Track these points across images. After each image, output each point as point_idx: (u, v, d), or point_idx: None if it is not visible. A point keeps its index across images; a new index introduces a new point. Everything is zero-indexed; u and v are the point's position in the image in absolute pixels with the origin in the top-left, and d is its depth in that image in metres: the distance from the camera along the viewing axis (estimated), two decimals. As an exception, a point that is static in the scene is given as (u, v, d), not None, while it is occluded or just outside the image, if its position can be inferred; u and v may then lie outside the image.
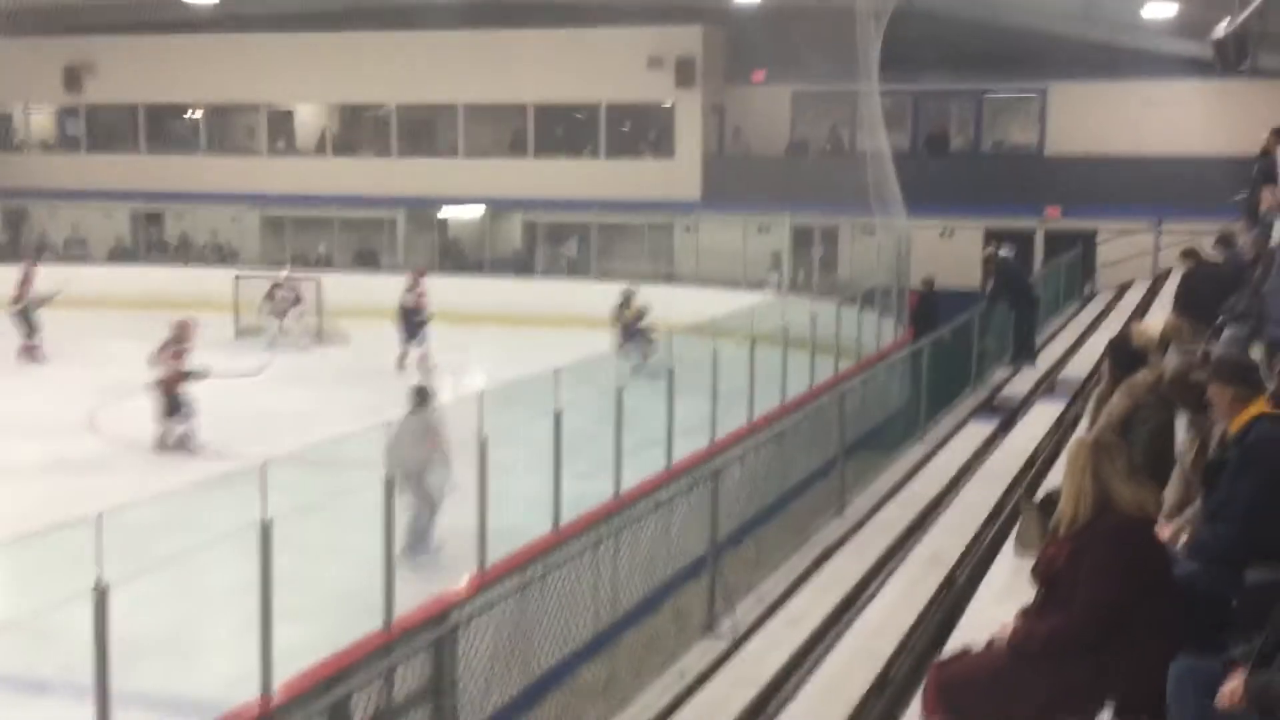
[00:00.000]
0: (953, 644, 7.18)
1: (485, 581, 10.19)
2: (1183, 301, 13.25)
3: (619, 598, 10.09)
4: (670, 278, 28.52)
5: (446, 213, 31.21)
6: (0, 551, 8.45)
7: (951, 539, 9.46)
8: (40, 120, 34.87)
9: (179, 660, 9.95)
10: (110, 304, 27.14)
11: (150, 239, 32.45)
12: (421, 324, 22.26)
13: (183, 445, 16.21)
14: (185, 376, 16.31)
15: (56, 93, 32.89)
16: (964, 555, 9.13)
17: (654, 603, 11.02)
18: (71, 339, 23.92)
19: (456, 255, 30.96)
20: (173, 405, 16.22)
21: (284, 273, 26.23)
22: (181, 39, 31.19)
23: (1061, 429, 12.73)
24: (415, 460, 11.63)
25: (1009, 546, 8.07)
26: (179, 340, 16.48)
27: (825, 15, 23.61)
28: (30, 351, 22.61)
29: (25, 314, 22.61)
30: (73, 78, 32.47)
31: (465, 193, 30.02)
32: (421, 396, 12.41)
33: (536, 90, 29.76)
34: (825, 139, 29.80)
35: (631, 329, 21.94)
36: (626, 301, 22.50)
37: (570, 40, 29.11)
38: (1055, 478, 8.30)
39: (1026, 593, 5.28)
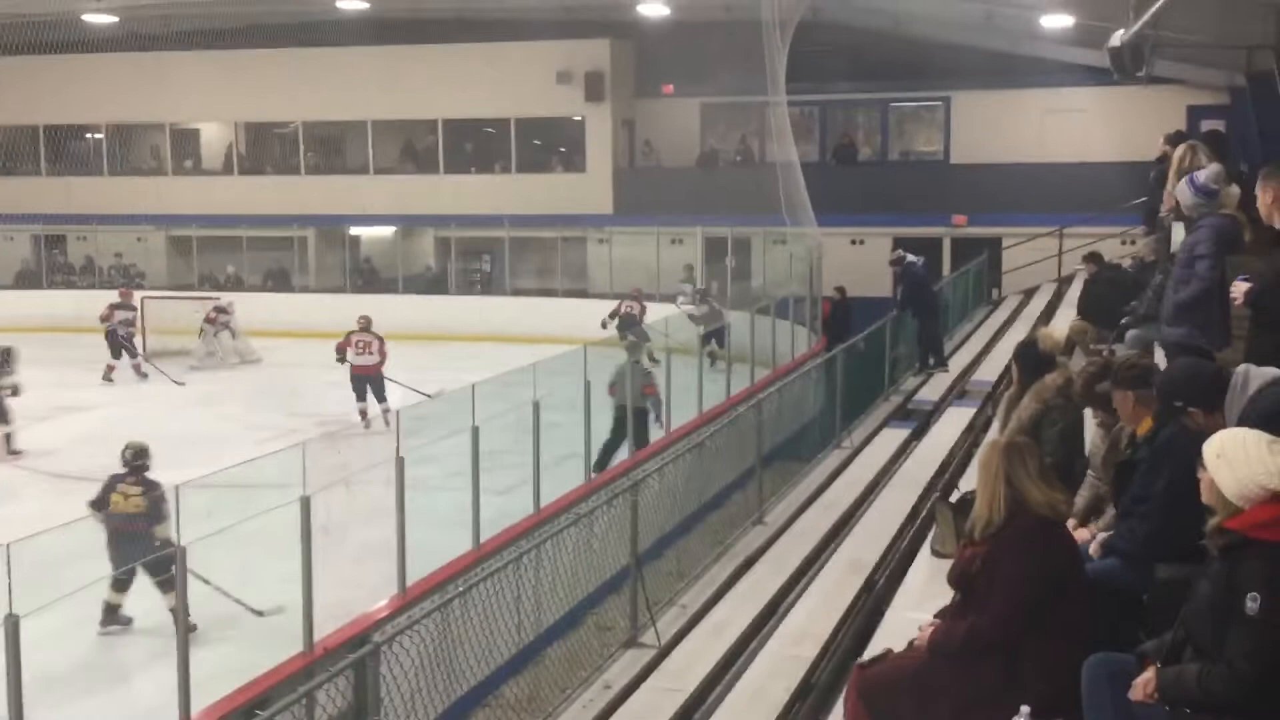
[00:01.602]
0: (874, 647, 7.27)
1: (407, 600, 10.11)
2: (1086, 305, 13.57)
3: (542, 612, 10.07)
4: (584, 291, 28.55)
5: (358, 230, 30.96)
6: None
7: (870, 544, 9.58)
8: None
9: (96, 691, 9.74)
10: (14, 329, 26.48)
11: (54, 262, 31.76)
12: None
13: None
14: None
15: (-50, 115, 32.15)
16: (882, 559, 9.25)
17: (577, 616, 11.00)
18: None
19: (368, 274, 30.71)
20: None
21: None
22: (81, 58, 30.61)
23: (973, 433, 12.95)
24: (635, 399, 14.60)
25: (926, 549, 8.19)
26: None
27: (732, 28, 23.82)
28: (109, 371, 23.09)
29: (114, 335, 23.25)
30: (-33, 100, 31.74)
31: (376, 210, 29.80)
32: (635, 350, 15.89)
33: (446, 106, 29.65)
34: (735, 150, 30.04)
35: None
36: None
37: (479, 55, 29.05)
38: (969, 480, 8.44)
39: (945, 594, 5.36)
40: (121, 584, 10.28)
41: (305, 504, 9.26)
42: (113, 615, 10.42)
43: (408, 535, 10.33)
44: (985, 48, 25.92)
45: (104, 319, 23.38)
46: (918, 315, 17.76)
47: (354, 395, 19.06)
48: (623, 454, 14.56)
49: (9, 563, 6.45)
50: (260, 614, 10.03)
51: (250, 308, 26.07)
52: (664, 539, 12.45)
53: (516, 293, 28.87)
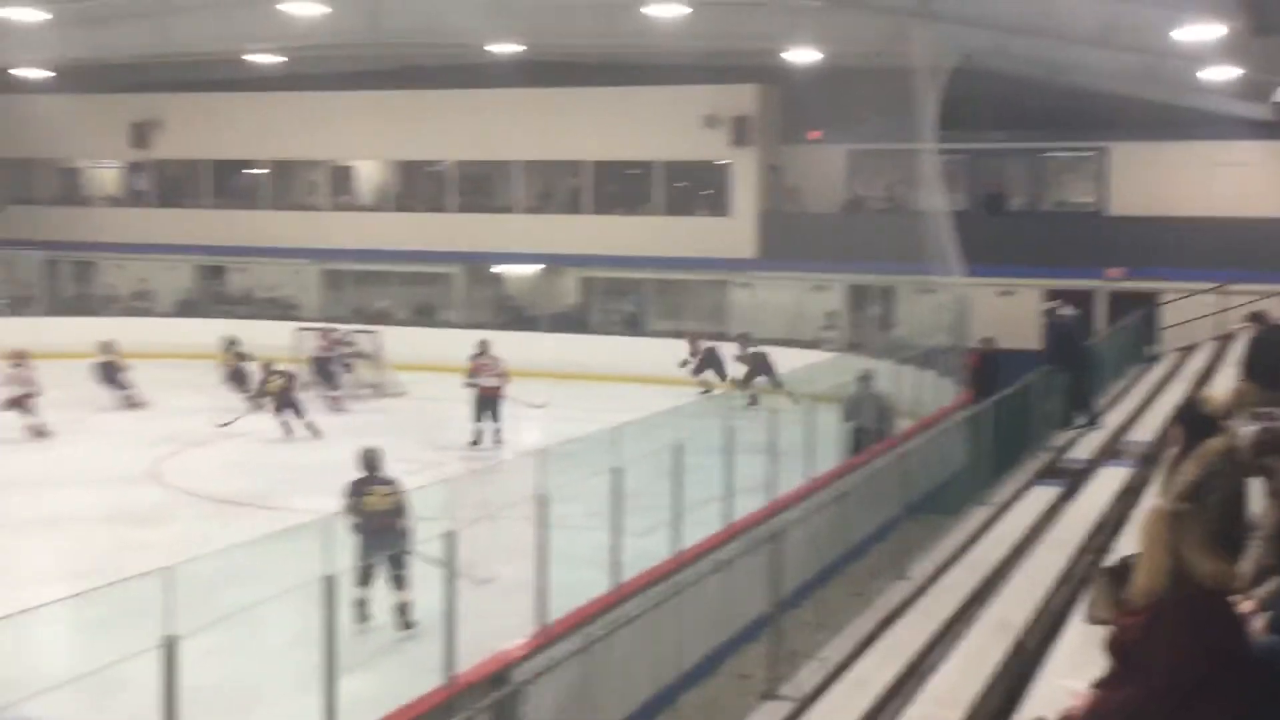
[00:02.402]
0: (1022, 714, 7.07)
1: (545, 639, 10.16)
2: (1250, 366, 13.11)
3: (680, 657, 10.01)
4: (724, 335, 28.53)
5: (503, 268, 31.45)
6: (71, 604, 8.52)
7: (1018, 605, 9.32)
8: (108, 175, 35.60)
9: (243, 714, 9.97)
10: (174, 356, 27.47)
11: (214, 292, 32.86)
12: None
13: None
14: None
15: (124, 148, 33.61)
16: (1032, 622, 8.99)
17: (714, 662, 10.93)
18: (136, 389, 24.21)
19: (512, 311, 31.14)
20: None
21: (342, 327, 26.55)
22: (247, 97, 31.81)
23: (1128, 494, 12.55)
24: (870, 420, 17.52)
25: (1079, 614, 7.95)
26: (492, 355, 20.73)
27: (882, 74, 23.67)
28: (334, 402, 23.61)
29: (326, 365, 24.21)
30: (140, 134, 33.17)
31: (522, 248, 30.26)
32: (867, 377, 18.40)
33: (593, 148, 30.02)
34: (881, 197, 29.82)
35: None
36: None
37: (627, 98, 29.40)
38: (1126, 544, 8.19)
39: (1098, 662, 5.19)
40: (367, 578, 11.13)
41: (450, 539, 9.40)
42: (363, 610, 11.15)
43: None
44: (1144, 98, 25.33)
45: (324, 350, 24.32)
46: (1067, 370, 17.32)
47: (475, 415, 20.20)
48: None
49: (171, 585, 6.65)
50: (487, 581, 10.44)
51: (397, 341, 26.62)
52: (803, 587, 12.32)
53: (657, 335, 28.96)
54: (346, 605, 10.61)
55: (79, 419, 22.12)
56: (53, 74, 30.34)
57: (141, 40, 26.81)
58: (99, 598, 7.30)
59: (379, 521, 11.39)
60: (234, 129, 32.29)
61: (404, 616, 11.26)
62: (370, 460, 11.97)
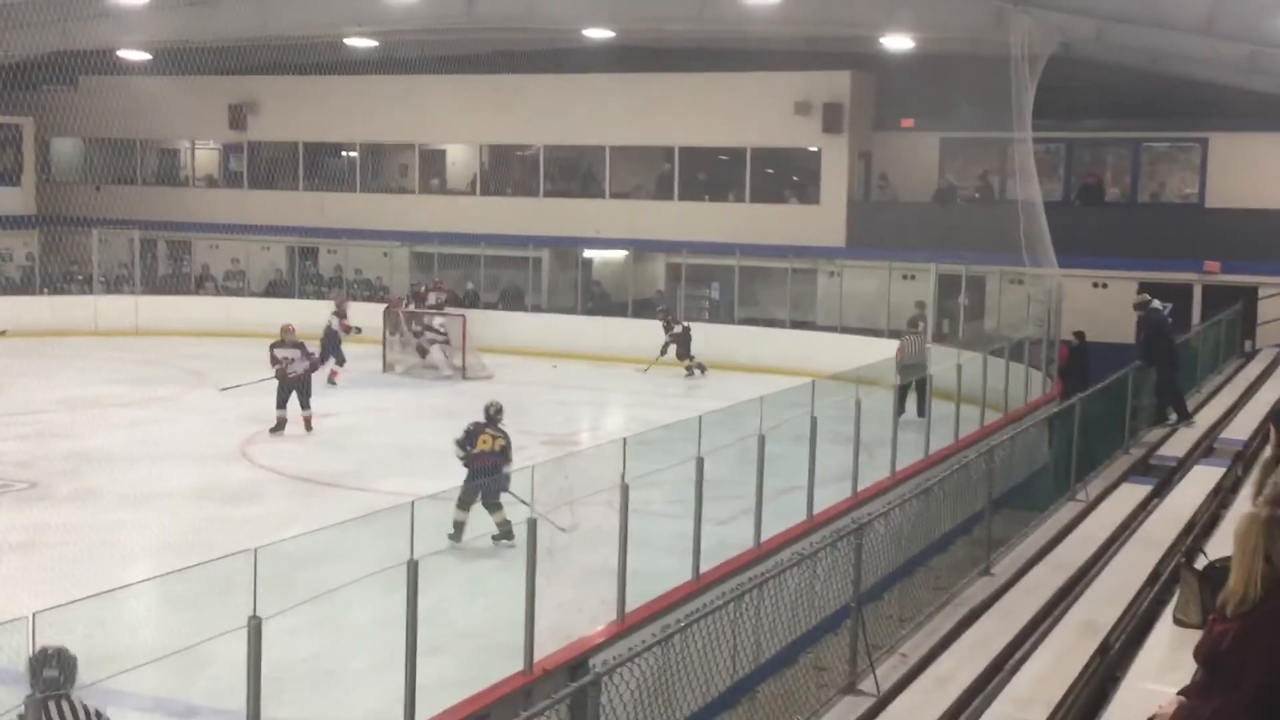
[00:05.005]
0: (1107, 718, 6.95)
1: (624, 627, 10.19)
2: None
3: (759, 648, 9.97)
4: (812, 323, 28.36)
5: (590, 253, 31.50)
6: (162, 580, 8.70)
7: (1105, 606, 9.15)
8: (204, 156, 36.23)
9: (323, 692, 10.12)
10: (263, 335, 27.84)
11: (306, 273, 33.32)
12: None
13: None
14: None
15: (221, 130, 34.18)
16: (1118, 623, 8.83)
17: (792, 653, 10.87)
18: (228, 368, 24.65)
19: (599, 296, 31.19)
20: None
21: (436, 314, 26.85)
22: (340, 80, 32.14)
23: (1221, 494, 12.27)
24: (916, 369, 19.61)
25: (1167, 616, 7.79)
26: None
27: (977, 61, 23.31)
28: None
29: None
30: (237, 116, 33.70)
31: (610, 234, 30.29)
32: (914, 324, 22.39)
33: (683, 134, 29.94)
34: (974, 186, 29.42)
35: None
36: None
37: (718, 85, 29.28)
38: (1215, 546, 8.01)
39: (1186, 666, 5.09)
40: (466, 504, 13.36)
41: (532, 526, 9.45)
42: (460, 531, 13.26)
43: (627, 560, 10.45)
44: (1246, 88, 24.69)
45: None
46: (1157, 365, 16.97)
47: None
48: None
49: (256, 565, 6.75)
50: (564, 530, 10.78)
51: (484, 324, 26.83)
52: (884, 580, 12.20)
53: (743, 322, 28.85)
54: (448, 528, 12.96)
55: (173, 396, 22.63)
56: (150, 57, 30.93)
57: (242, 24, 27.19)
58: (189, 574, 7.43)
59: (484, 460, 13.71)
60: (327, 112, 32.66)
61: (503, 530, 12.92)
62: (494, 412, 14.18)
